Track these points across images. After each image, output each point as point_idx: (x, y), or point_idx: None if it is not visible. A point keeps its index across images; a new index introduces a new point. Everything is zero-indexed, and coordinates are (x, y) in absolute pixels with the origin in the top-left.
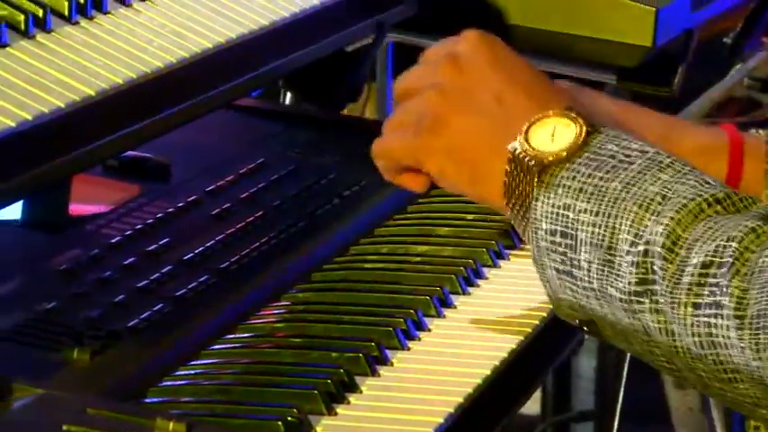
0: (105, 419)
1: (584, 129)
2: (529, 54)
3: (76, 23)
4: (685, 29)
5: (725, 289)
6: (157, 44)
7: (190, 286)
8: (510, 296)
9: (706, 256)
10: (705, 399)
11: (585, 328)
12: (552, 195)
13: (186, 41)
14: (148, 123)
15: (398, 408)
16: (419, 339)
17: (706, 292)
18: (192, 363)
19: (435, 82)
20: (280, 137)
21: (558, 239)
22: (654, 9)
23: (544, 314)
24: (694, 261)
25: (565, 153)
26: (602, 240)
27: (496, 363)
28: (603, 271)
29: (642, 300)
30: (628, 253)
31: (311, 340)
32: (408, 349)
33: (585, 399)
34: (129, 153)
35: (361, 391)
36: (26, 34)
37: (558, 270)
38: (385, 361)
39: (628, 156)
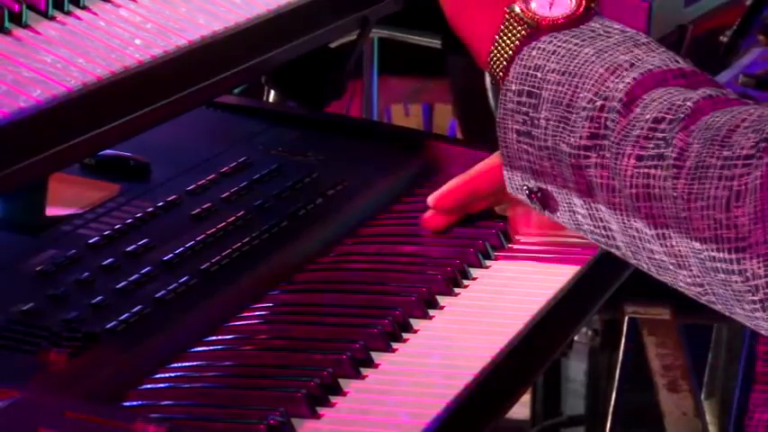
0: (83, 423)
1: (583, 4)
2: None
3: (53, 18)
4: (679, 24)
5: (669, 140)
6: (136, 39)
7: (170, 287)
8: (497, 297)
9: (659, 112)
10: (699, 403)
11: (535, 199)
12: (526, 57)
13: (166, 37)
14: (127, 121)
15: (383, 410)
16: (405, 341)
17: (651, 145)
18: (173, 365)
19: None
20: (262, 135)
21: (524, 99)
22: (647, 4)
23: (532, 315)
24: (647, 117)
25: (561, 21)
26: (563, 97)
27: (483, 365)
28: (559, 127)
29: (589, 154)
30: (584, 109)
31: (294, 342)
32: (394, 351)
33: (575, 403)
34: (108, 152)
35: (345, 394)
36: (1, 29)
37: (518, 132)
38: (370, 363)
39: (607, 31)
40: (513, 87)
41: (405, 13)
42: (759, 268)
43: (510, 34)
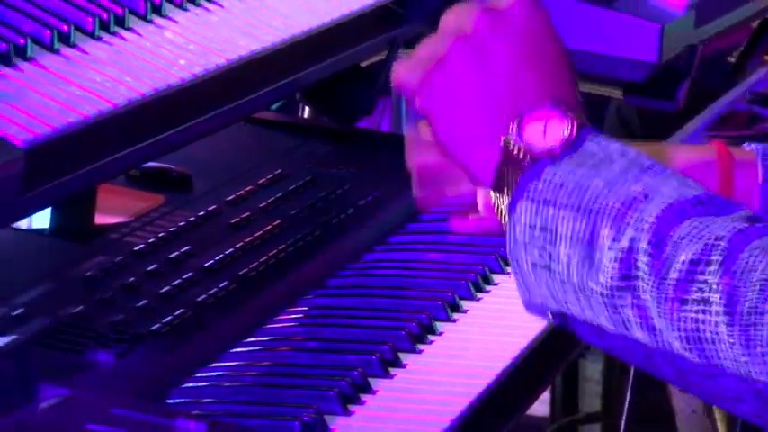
0: (128, 419)
1: (575, 125)
2: None
3: (99, 39)
4: (689, 45)
5: (714, 286)
6: (180, 60)
7: (210, 292)
8: (518, 301)
9: (694, 254)
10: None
11: (557, 322)
12: (532, 191)
13: (207, 57)
14: (171, 135)
15: (410, 408)
16: (431, 343)
17: (694, 289)
18: (213, 365)
19: (468, 24)
20: (298, 149)
21: (537, 234)
22: (659, 26)
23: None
24: (682, 258)
25: (558, 150)
26: (583, 236)
27: (504, 365)
28: (584, 265)
29: (624, 294)
30: (610, 248)
31: (327, 343)
32: (420, 352)
33: (592, 401)
34: (152, 164)
35: (374, 392)
36: (51, 49)
37: (534, 264)
38: (398, 363)
39: (608, 155)
40: (524, 221)
41: (431, 33)
42: None
43: (509, 168)
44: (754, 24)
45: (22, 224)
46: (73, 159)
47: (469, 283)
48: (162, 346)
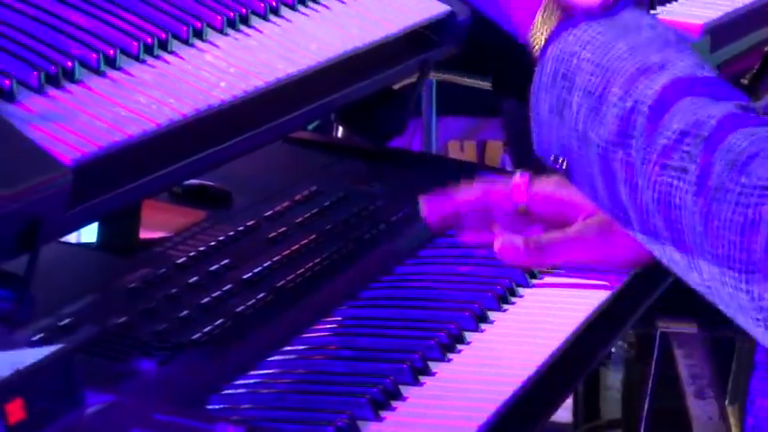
0: (170, 424)
1: None
2: None
3: (144, 62)
4: None
5: (693, 156)
6: (221, 82)
7: (248, 303)
8: (542, 313)
9: (686, 125)
10: (724, 408)
11: (559, 167)
12: (563, 41)
13: (247, 79)
14: (212, 153)
15: (439, 414)
16: (459, 352)
17: (676, 156)
18: (250, 373)
19: None
20: (332, 167)
21: (558, 80)
22: None
23: (573, 330)
24: (674, 127)
25: (596, 10)
26: (596, 89)
27: (530, 373)
28: (590, 115)
29: (617, 149)
30: (614, 105)
31: (359, 352)
32: (449, 361)
33: (613, 408)
34: (194, 181)
35: (405, 399)
36: (98, 71)
37: (551, 109)
38: (427, 371)
39: (638, 25)
40: (549, 66)
41: (459, 57)
42: (766, 292)
43: (548, 18)
44: (766, 48)
45: (71, 238)
46: (118, 177)
47: (496, 295)
48: (202, 355)
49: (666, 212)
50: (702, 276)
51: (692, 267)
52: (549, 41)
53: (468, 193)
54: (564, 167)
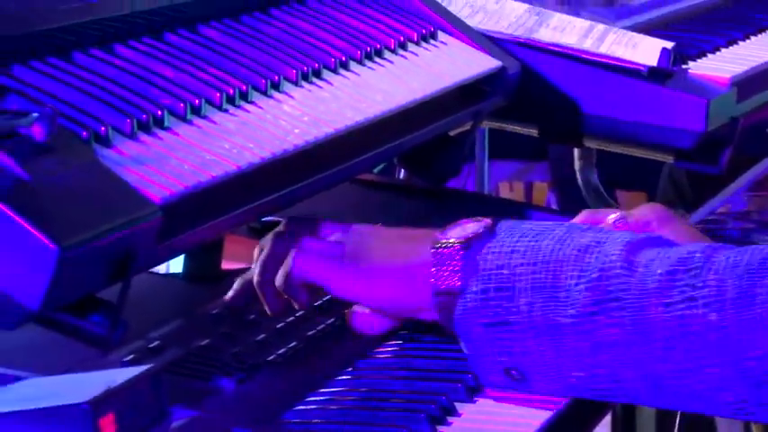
0: None
1: (490, 221)
2: (601, 138)
3: (226, 111)
4: (732, 117)
5: (699, 284)
6: (295, 129)
7: (319, 328)
8: None
9: (669, 266)
10: (748, 425)
11: (512, 375)
12: (481, 262)
13: (319, 127)
14: (287, 193)
15: (492, 429)
16: None
17: (675, 293)
18: (320, 391)
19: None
20: (394, 206)
21: (491, 295)
22: (706, 100)
23: None
24: (658, 272)
25: (483, 231)
26: (545, 282)
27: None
28: (549, 306)
29: (596, 319)
30: (576, 285)
31: (417, 372)
32: None
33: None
34: (271, 218)
35: (460, 415)
36: (184, 119)
37: (488, 324)
38: (480, 390)
39: (546, 227)
40: (474, 288)
41: (509, 107)
42: None
43: (447, 262)
44: None
45: (160, 269)
46: (203, 214)
47: None
48: (277, 374)
49: (688, 344)
50: (735, 391)
51: (721, 388)
52: (464, 272)
53: None
54: (518, 374)
